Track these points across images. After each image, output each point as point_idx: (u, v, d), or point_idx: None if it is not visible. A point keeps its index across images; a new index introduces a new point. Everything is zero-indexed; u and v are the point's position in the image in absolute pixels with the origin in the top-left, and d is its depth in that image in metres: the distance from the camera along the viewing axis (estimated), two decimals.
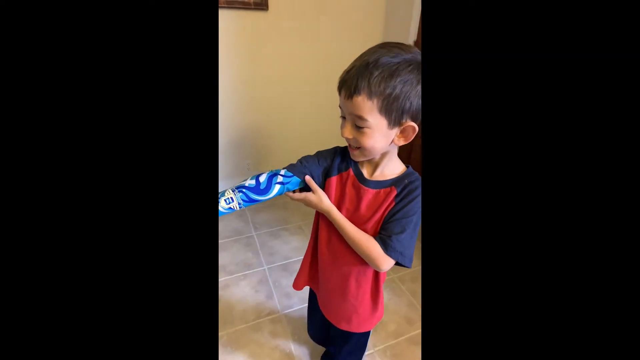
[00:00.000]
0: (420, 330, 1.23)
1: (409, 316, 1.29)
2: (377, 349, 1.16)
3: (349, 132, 0.55)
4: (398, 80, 0.48)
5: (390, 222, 0.58)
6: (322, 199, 0.62)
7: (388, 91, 0.48)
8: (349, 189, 0.62)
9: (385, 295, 1.37)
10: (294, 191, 0.64)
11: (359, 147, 0.56)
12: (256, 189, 0.60)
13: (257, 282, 1.42)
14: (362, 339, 0.84)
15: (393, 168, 0.61)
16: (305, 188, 0.64)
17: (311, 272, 0.81)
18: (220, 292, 1.36)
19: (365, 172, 0.62)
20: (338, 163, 0.64)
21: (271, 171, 0.62)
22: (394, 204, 0.58)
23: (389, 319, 1.27)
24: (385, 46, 0.50)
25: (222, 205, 0.59)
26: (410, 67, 0.48)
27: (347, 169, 0.63)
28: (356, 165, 0.63)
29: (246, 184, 0.60)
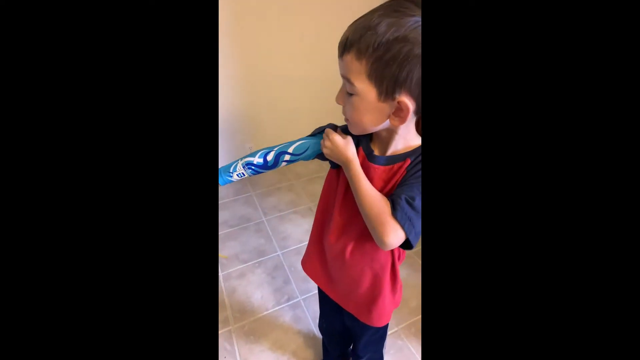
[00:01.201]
0: None
1: None
2: (400, 326, 1.15)
3: (340, 98, 0.48)
4: (395, 38, 0.38)
5: (403, 185, 0.48)
6: (349, 145, 0.52)
7: (379, 52, 0.39)
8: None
9: (404, 270, 1.35)
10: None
11: (348, 119, 0.49)
12: (264, 166, 0.60)
13: (272, 268, 1.39)
14: (383, 329, 0.78)
15: (409, 143, 0.51)
16: (320, 157, 0.60)
17: (315, 259, 0.74)
18: (237, 282, 1.34)
19: (377, 150, 0.54)
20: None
21: (279, 148, 0.59)
22: (405, 172, 0.49)
23: (410, 295, 1.25)
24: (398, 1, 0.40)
25: (234, 178, 0.61)
26: (419, 28, 0.38)
27: (357, 147, 0.55)
28: (367, 141, 0.55)
29: (254, 162, 0.61)
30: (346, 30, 0.43)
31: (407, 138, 0.51)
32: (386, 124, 0.47)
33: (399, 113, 0.44)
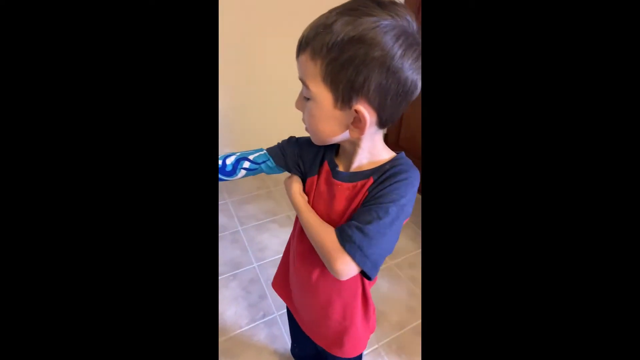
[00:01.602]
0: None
1: (410, 305, 1.24)
2: (381, 343, 1.11)
3: (298, 103, 0.45)
4: (350, 38, 0.34)
5: (361, 208, 0.44)
6: (292, 183, 0.53)
7: (334, 53, 0.36)
8: (322, 186, 0.51)
9: (384, 283, 1.31)
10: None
11: (306, 127, 0.46)
12: (222, 170, 0.56)
13: (248, 281, 1.32)
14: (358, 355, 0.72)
15: (375, 158, 0.47)
16: (284, 169, 0.57)
17: (286, 280, 0.69)
18: None
19: (341, 165, 0.50)
20: (308, 159, 0.53)
21: (241, 154, 0.56)
22: (367, 193, 0.45)
23: (390, 310, 1.21)
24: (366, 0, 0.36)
25: (241, 173, 0.57)
26: (381, 29, 0.34)
27: (322, 162, 0.51)
28: (332, 155, 0.51)
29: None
30: (305, 29, 0.39)
31: (373, 152, 0.47)
32: (346, 134, 0.43)
33: (358, 124, 0.40)
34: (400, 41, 0.35)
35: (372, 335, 1.11)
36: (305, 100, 0.43)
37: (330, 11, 0.37)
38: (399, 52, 0.35)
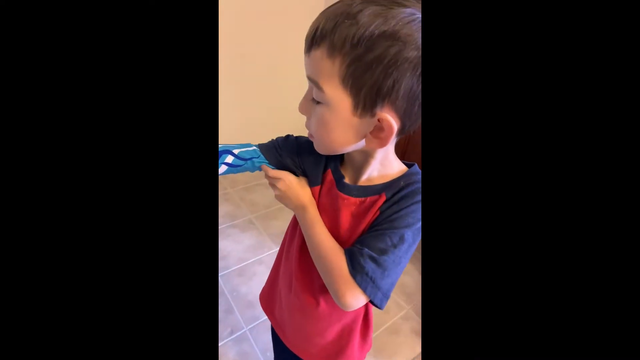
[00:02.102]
0: (396, 317, 1.20)
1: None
2: None
3: (304, 107, 0.38)
4: (381, 33, 0.29)
5: (372, 232, 0.40)
6: (305, 188, 0.45)
7: (359, 50, 0.30)
8: (324, 198, 0.45)
9: None
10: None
11: (313, 135, 0.40)
12: None
13: None
14: None
15: (386, 170, 0.42)
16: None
17: (272, 295, 0.63)
18: None
19: (348, 176, 0.44)
20: (315, 163, 0.46)
21: (224, 146, 0.47)
22: (379, 213, 0.40)
23: (377, 321, 1.20)
24: None
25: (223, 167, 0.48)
26: (416, 24, 0.30)
27: (325, 170, 0.46)
28: (336, 164, 0.45)
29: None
30: (317, 17, 0.33)
31: (385, 163, 0.42)
32: (360, 144, 0.37)
33: (379, 133, 0.34)
34: None
35: None
36: (314, 103, 0.36)
37: (348, 3, 0.30)
38: None
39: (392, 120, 0.33)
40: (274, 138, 0.50)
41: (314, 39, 0.32)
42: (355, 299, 0.38)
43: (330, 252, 0.40)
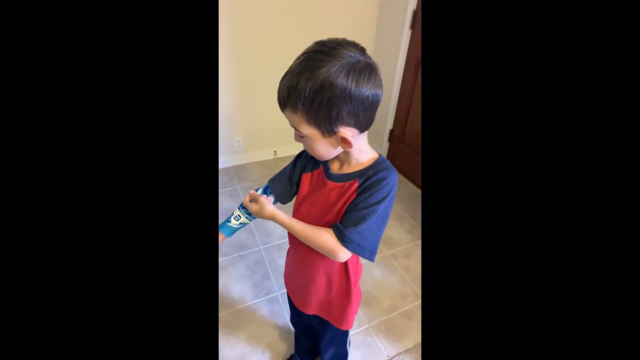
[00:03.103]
0: (412, 305, 1.29)
1: (402, 292, 1.34)
2: (371, 324, 1.22)
3: (297, 139, 0.56)
4: (315, 89, 0.45)
5: (351, 211, 0.56)
6: (264, 207, 0.62)
7: (307, 104, 0.47)
8: (317, 184, 0.63)
9: (379, 272, 1.42)
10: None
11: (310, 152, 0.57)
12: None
13: (253, 262, 1.44)
14: (340, 330, 0.83)
15: (360, 159, 0.59)
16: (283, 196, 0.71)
17: (287, 265, 0.82)
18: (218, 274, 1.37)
19: (334, 167, 0.62)
20: (308, 161, 0.66)
21: (264, 187, 0.71)
22: (355, 195, 0.57)
23: (382, 295, 1.32)
24: (317, 49, 0.46)
25: (234, 223, 0.70)
26: (333, 74, 0.44)
27: (318, 166, 0.64)
28: (326, 162, 0.63)
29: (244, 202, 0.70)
30: (278, 89, 0.51)
31: (360, 154, 0.58)
32: (339, 150, 0.55)
33: (345, 141, 0.51)
34: (350, 75, 0.45)
35: (363, 316, 1.22)
36: (300, 137, 0.54)
37: (292, 71, 0.47)
38: (352, 85, 0.45)
39: (348, 133, 0.50)
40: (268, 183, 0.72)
41: (282, 105, 0.50)
42: (347, 255, 0.57)
43: (314, 234, 0.58)
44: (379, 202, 0.54)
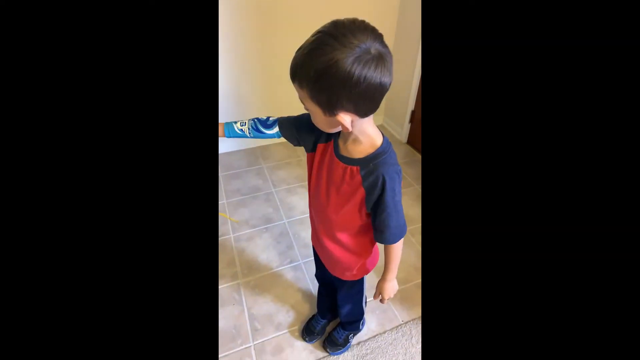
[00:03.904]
0: None
1: (417, 265, 1.41)
2: None
3: (305, 107, 0.59)
4: (320, 70, 0.46)
5: (377, 218, 0.65)
6: (390, 287, 0.82)
7: (311, 84, 0.49)
8: (329, 157, 0.68)
9: None
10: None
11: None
12: (264, 123, 0.75)
13: (278, 234, 1.55)
14: (358, 284, 0.93)
15: (363, 141, 0.61)
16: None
17: (312, 229, 0.91)
18: (246, 243, 1.50)
19: (340, 143, 0.65)
20: (323, 132, 0.69)
21: (277, 118, 0.77)
22: (362, 189, 0.62)
23: (399, 268, 1.39)
24: (329, 31, 0.46)
25: (237, 126, 0.76)
26: (339, 62, 0.45)
27: (330, 139, 0.68)
28: (336, 136, 0.67)
29: (257, 117, 0.77)
30: (293, 57, 0.53)
31: (363, 136, 0.61)
32: (339, 128, 0.59)
33: (343, 124, 0.54)
34: (354, 66, 0.45)
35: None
36: (306, 108, 0.58)
37: (302, 50, 0.49)
38: (355, 75, 0.46)
39: (345, 117, 0.53)
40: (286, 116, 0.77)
41: (292, 77, 0.53)
42: (401, 241, 0.72)
43: (393, 254, 0.75)
44: (392, 198, 0.62)
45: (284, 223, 1.62)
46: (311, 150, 0.72)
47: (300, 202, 1.75)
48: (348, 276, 0.85)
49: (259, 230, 1.57)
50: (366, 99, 0.50)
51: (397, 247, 0.72)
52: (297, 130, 0.73)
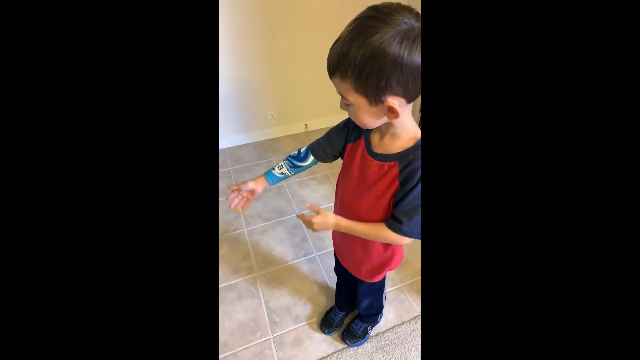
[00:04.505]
0: None
1: None
2: (404, 283, 1.30)
3: (342, 107, 0.56)
4: (367, 57, 0.44)
5: (404, 206, 0.59)
6: (327, 219, 0.66)
7: (357, 72, 0.46)
8: (359, 158, 0.65)
9: None
10: (302, 215, 0.70)
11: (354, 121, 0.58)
12: (297, 157, 0.77)
13: (291, 227, 1.55)
14: (379, 282, 0.90)
15: (402, 135, 0.59)
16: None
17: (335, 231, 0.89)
18: (260, 237, 1.50)
19: (375, 139, 0.63)
20: (353, 131, 0.67)
21: (307, 146, 0.78)
22: (397, 183, 0.59)
23: (414, 258, 1.39)
24: (370, 14, 0.45)
25: (276, 171, 0.78)
26: (386, 41, 0.43)
27: (359, 137, 0.65)
28: (368, 133, 0.64)
29: (290, 154, 0.78)
30: (328, 55, 0.50)
31: (402, 128, 0.58)
32: (384, 119, 0.55)
33: (391, 111, 0.51)
34: (403, 43, 0.43)
35: (396, 276, 1.31)
36: (347, 105, 0.54)
37: (343, 38, 0.46)
38: (405, 53, 0.44)
39: (395, 102, 0.49)
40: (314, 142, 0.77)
41: (331, 72, 0.50)
42: (411, 240, 0.64)
43: (376, 233, 0.65)
44: (420, 197, 0.57)
45: None
46: (342, 154, 0.71)
47: (312, 194, 1.74)
48: (370, 278, 0.84)
49: (272, 224, 1.57)
50: (416, 79, 0.47)
51: (392, 236, 0.62)
52: (330, 143, 0.72)
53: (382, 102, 0.50)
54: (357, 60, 0.45)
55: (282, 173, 0.78)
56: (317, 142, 0.75)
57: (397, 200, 0.60)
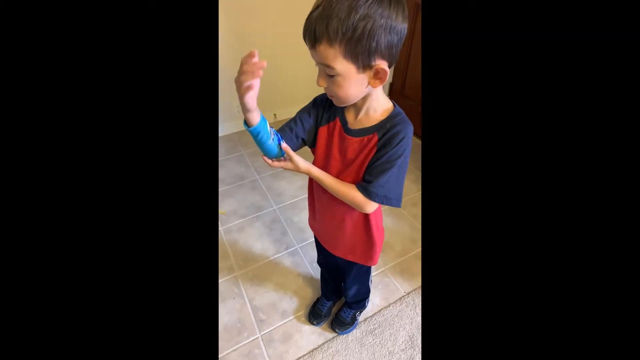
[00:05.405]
0: None
1: (412, 236, 1.43)
2: (387, 266, 1.32)
3: (322, 82, 0.54)
4: (357, 18, 0.44)
5: (374, 167, 0.58)
6: (299, 164, 0.62)
7: (348, 34, 0.45)
8: (336, 139, 0.64)
9: (389, 220, 1.50)
10: (272, 160, 0.64)
11: (334, 96, 0.56)
12: (279, 139, 0.68)
13: (270, 221, 1.51)
14: (365, 267, 0.91)
15: (377, 109, 0.59)
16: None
17: (311, 212, 0.87)
18: (237, 234, 1.45)
19: (350, 117, 0.62)
20: (324, 113, 0.65)
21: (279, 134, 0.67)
22: (375, 149, 0.58)
23: (395, 241, 1.41)
24: None
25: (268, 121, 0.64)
26: (375, 3, 0.44)
27: (334, 118, 0.64)
28: (342, 112, 0.63)
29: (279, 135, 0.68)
30: (307, 23, 0.48)
31: (377, 105, 0.59)
32: (366, 91, 0.55)
33: (378, 75, 0.51)
34: (391, 5, 0.45)
35: (379, 260, 1.32)
36: (328, 77, 0.52)
37: (328, 4, 0.44)
38: (393, 14, 0.45)
39: (384, 65, 0.50)
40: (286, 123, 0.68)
41: (316, 39, 0.47)
42: (374, 208, 0.62)
43: (345, 190, 0.62)
44: (399, 157, 0.57)
45: (275, 210, 1.57)
46: (312, 143, 0.68)
47: (288, 186, 1.69)
48: (352, 257, 0.83)
49: (249, 220, 1.51)
50: (398, 42, 0.49)
51: (358, 197, 0.60)
52: (302, 124, 0.66)
53: (371, 68, 0.50)
54: (349, 22, 0.44)
55: (271, 127, 0.63)
56: (289, 126, 0.68)
57: (370, 162, 0.60)
